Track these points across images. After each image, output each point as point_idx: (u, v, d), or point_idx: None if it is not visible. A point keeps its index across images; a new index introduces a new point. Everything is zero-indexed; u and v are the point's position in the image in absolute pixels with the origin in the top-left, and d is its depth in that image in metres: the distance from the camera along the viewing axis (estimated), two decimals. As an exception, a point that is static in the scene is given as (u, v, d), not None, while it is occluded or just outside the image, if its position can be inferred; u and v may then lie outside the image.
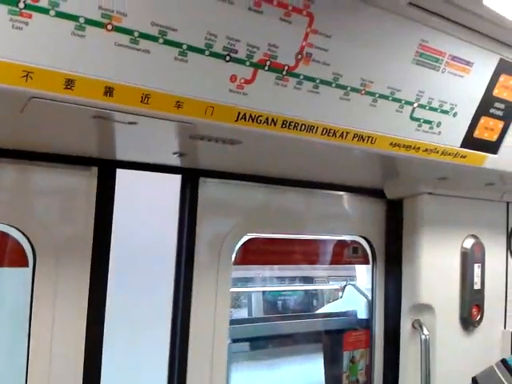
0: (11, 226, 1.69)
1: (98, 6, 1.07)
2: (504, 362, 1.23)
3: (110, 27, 1.09)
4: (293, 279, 7.52)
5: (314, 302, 7.64)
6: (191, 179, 1.92)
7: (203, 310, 1.92)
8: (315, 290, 7.59)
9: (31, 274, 1.69)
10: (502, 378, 1.20)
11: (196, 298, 1.90)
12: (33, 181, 1.73)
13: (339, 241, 2.60)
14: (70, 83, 1.08)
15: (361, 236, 2.46)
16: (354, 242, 2.53)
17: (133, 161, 1.84)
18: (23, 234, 1.69)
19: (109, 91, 1.13)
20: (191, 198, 1.91)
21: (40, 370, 1.69)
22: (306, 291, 7.66)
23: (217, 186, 2.00)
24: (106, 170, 1.80)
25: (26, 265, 1.72)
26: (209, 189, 1.97)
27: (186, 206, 1.91)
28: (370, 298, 2.50)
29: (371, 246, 2.43)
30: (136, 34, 1.12)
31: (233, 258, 2.07)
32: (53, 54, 1.06)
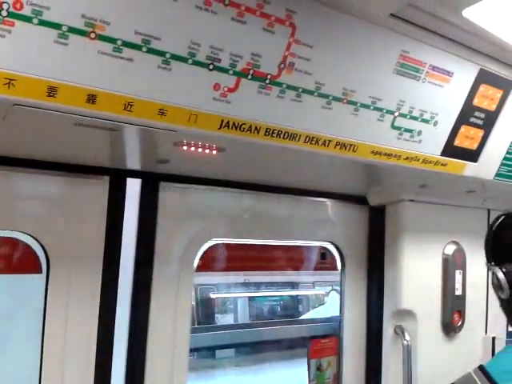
0: (27, 234, 1.70)
1: (81, 15, 1.07)
2: (481, 368, 1.24)
3: (93, 35, 1.10)
4: (279, 285, 7.55)
5: (300, 307, 7.67)
6: (151, 184, 1.88)
7: (162, 318, 1.89)
8: (301, 295, 7.61)
9: (45, 281, 1.71)
10: (478, 382, 1.21)
11: (155, 308, 1.86)
12: (46, 189, 1.74)
13: (312, 246, 2.60)
14: (52, 90, 1.09)
15: (330, 242, 2.46)
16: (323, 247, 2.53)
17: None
18: (38, 241, 1.71)
19: (91, 98, 1.14)
20: (151, 203, 1.88)
21: (53, 374, 1.71)
22: (291, 297, 7.68)
23: (180, 191, 1.96)
24: (117, 179, 1.82)
25: (40, 271, 1.74)
26: (170, 194, 1.93)
27: (146, 212, 1.88)
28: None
29: (340, 253, 2.44)
30: (119, 42, 1.13)
31: (195, 265, 2.03)
32: (35, 62, 1.07)
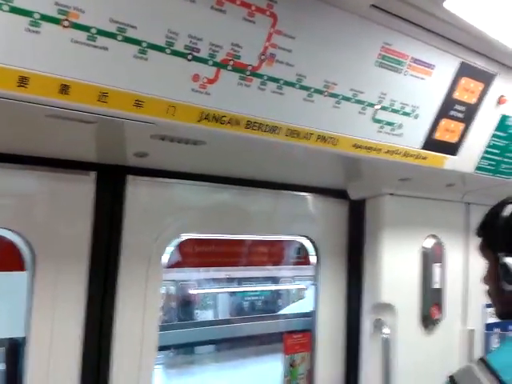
0: (12, 230, 1.65)
1: (54, 2, 1.03)
2: (483, 360, 1.22)
3: (66, 23, 1.06)
4: (261, 280, 7.53)
5: (280, 302, 7.67)
6: (118, 177, 1.81)
7: (129, 315, 1.83)
8: (282, 290, 7.61)
9: (30, 278, 1.67)
10: (480, 376, 1.19)
11: (121, 305, 1.80)
12: (33, 185, 1.69)
13: (293, 241, 2.57)
14: (23, 81, 1.04)
15: (305, 236, 2.43)
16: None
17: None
18: (23, 238, 1.66)
19: (64, 89, 1.10)
20: (119, 198, 1.81)
21: (38, 373, 1.66)
22: (272, 291, 7.67)
23: (150, 185, 1.90)
24: (104, 175, 1.76)
25: (23, 269, 1.70)
26: (140, 188, 1.86)
27: (114, 206, 1.81)
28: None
29: (315, 247, 2.41)
30: (94, 30, 1.09)
31: (165, 261, 1.98)
32: (6, 51, 1.02)
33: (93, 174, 1.73)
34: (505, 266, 1.28)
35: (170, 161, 1.83)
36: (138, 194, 1.84)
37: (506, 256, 1.28)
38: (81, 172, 1.72)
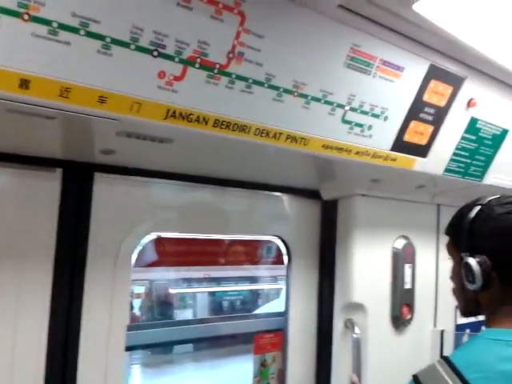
0: None
1: (13, -6, 1.01)
2: (446, 359, 1.23)
3: (26, 17, 1.04)
4: (239, 279, 7.52)
5: (259, 301, 7.67)
6: (85, 175, 1.79)
7: (96, 315, 1.81)
8: (261, 289, 7.61)
9: None
10: (444, 375, 1.20)
11: (88, 305, 1.78)
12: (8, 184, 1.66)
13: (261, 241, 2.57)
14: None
15: (277, 236, 2.43)
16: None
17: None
18: None
19: (24, 83, 1.08)
20: (85, 196, 1.78)
21: (2, 375, 1.63)
22: (251, 291, 7.67)
23: (118, 183, 1.87)
24: (71, 173, 1.73)
25: None
26: (107, 186, 1.84)
27: (81, 205, 1.78)
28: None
29: (286, 247, 2.41)
30: (55, 24, 1.07)
31: (133, 261, 1.95)
32: (-38, 43, 1.00)
33: (59, 171, 1.71)
34: (467, 265, 1.30)
35: (138, 159, 1.81)
36: (106, 191, 1.82)
37: (469, 256, 1.30)
38: (46, 169, 1.69)
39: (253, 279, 7.26)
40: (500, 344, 1.24)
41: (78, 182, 1.76)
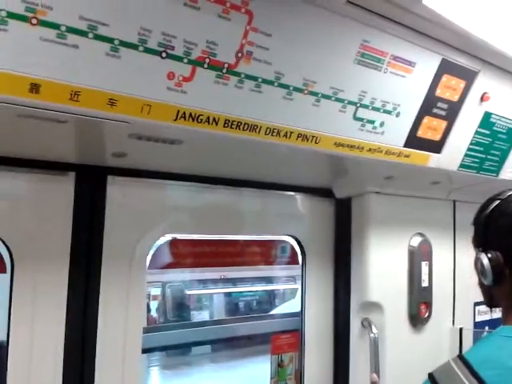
0: None
1: (21, -1, 1.01)
2: (460, 356, 1.22)
3: (34, 21, 1.04)
4: (256, 280, 7.51)
5: (276, 302, 7.66)
6: (98, 178, 1.79)
7: (112, 317, 1.81)
8: (277, 290, 7.59)
9: (9, 280, 1.64)
10: (459, 372, 1.19)
11: (104, 307, 1.79)
12: (10, 187, 1.66)
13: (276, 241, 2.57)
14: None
15: (291, 236, 2.42)
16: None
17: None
18: (1, 240, 1.64)
19: (34, 88, 1.08)
20: (99, 198, 1.79)
21: (19, 377, 1.64)
22: (267, 291, 7.65)
23: (131, 186, 1.88)
24: (84, 176, 1.74)
25: (4, 271, 1.70)
26: (121, 188, 1.84)
27: (95, 207, 1.79)
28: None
29: (301, 246, 2.40)
30: (63, 28, 1.08)
31: (147, 263, 1.96)
32: (-28, 49, 1.01)
33: (72, 175, 1.72)
34: (478, 260, 1.30)
35: (150, 161, 1.81)
36: (119, 194, 1.82)
37: (482, 252, 1.30)
38: (59, 173, 1.70)
39: (268, 279, 7.25)
40: None
41: (91, 185, 1.77)
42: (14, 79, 1.06)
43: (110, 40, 1.14)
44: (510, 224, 1.29)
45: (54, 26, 1.06)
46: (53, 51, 1.08)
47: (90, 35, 1.11)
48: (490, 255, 1.28)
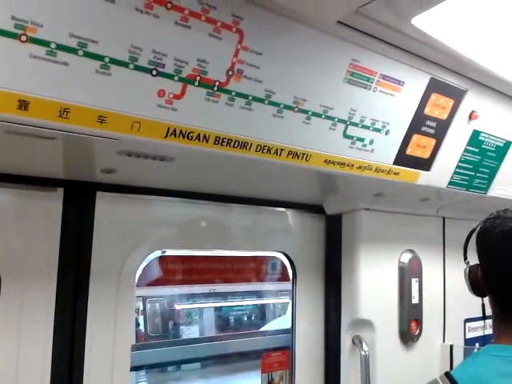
0: None
1: (10, 16, 1.01)
2: (448, 374, 1.23)
3: (24, 38, 1.04)
4: (245, 294, 7.47)
5: (266, 317, 7.61)
6: (87, 194, 1.79)
7: (100, 334, 1.79)
8: (267, 305, 7.55)
9: None
10: None
11: (92, 325, 1.77)
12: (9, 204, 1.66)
13: (266, 257, 2.57)
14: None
15: (281, 252, 2.42)
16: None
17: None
18: None
19: (23, 105, 1.08)
20: (87, 215, 1.78)
21: None
22: (257, 306, 7.61)
23: (120, 202, 1.87)
24: (73, 192, 1.73)
25: None
26: (109, 204, 1.83)
27: (82, 223, 1.78)
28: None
29: (291, 263, 2.40)
30: (53, 45, 1.08)
31: (136, 279, 1.94)
32: (-40, 66, 1.00)
33: (60, 191, 1.71)
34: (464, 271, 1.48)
35: (139, 177, 1.81)
36: (108, 210, 1.81)
37: (466, 264, 1.51)
38: (47, 189, 1.69)
39: (259, 294, 7.22)
40: (501, 360, 1.23)
41: (79, 201, 1.76)
42: (3, 96, 1.05)
43: (100, 57, 1.14)
44: (486, 243, 1.39)
45: (43, 43, 1.06)
46: (42, 68, 1.08)
47: (80, 52, 1.11)
48: (469, 268, 1.49)
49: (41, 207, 1.69)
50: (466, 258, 1.56)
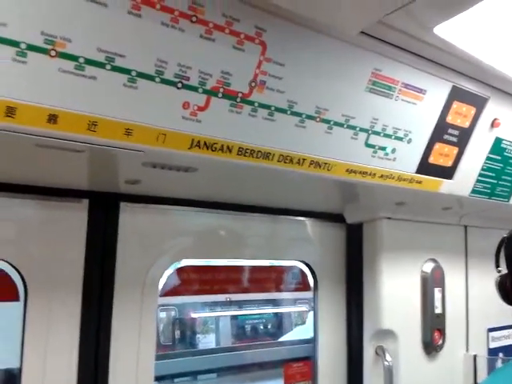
0: (3, 260, 1.64)
1: (40, 32, 1.04)
2: None
3: (53, 53, 1.06)
4: (261, 303, 7.41)
5: (283, 326, 7.55)
6: (111, 205, 1.81)
7: (125, 343, 1.80)
8: (283, 313, 7.49)
9: (23, 308, 1.65)
10: None
11: (116, 334, 1.78)
12: (24, 214, 1.68)
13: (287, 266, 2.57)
14: (10, 111, 1.04)
15: (302, 261, 2.41)
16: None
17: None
18: (14, 268, 1.64)
19: (52, 118, 1.10)
20: (111, 225, 1.80)
21: None
22: (274, 314, 7.56)
23: (143, 212, 1.89)
24: (97, 203, 1.76)
25: (17, 299, 1.70)
26: (133, 215, 1.86)
27: (106, 233, 1.80)
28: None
29: (313, 272, 2.39)
30: (81, 60, 1.09)
31: (159, 289, 1.95)
32: (-8, 81, 1.03)
33: (85, 202, 1.73)
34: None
35: (163, 187, 1.82)
36: (132, 220, 1.83)
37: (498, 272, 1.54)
38: (73, 200, 1.72)
39: (276, 303, 7.16)
40: None
41: (104, 211, 1.78)
42: (33, 110, 1.08)
43: (127, 71, 1.16)
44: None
45: (72, 57, 1.08)
46: (71, 82, 1.10)
47: (108, 67, 1.13)
48: (500, 278, 1.52)
49: (66, 218, 1.71)
50: (497, 267, 1.57)
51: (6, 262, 1.64)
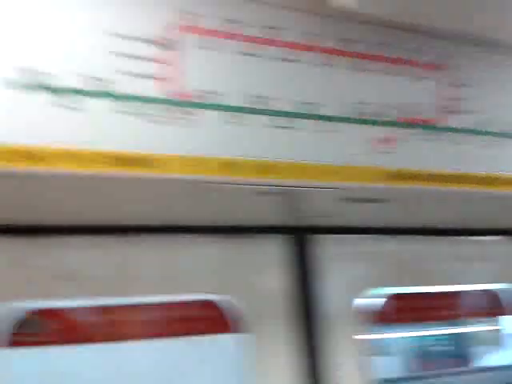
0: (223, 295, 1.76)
1: (250, 95, 1.19)
2: None
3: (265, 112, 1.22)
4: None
5: (472, 349, 6.93)
6: (305, 238, 1.86)
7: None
8: (467, 333, 6.86)
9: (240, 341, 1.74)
10: None
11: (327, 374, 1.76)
12: (234, 252, 1.81)
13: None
14: (225, 166, 1.21)
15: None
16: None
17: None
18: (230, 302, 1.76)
19: (264, 170, 1.24)
20: (309, 258, 1.85)
21: None
22: (456, 336, 6.97)
23: (337, 243, 1.92)
24: (292, 237, 1.86)
25: (229, 330, 1.78)
26: (328, 246, 1.89)
27: (303, 267, 1.84)
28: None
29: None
30: (291, 114, 1.25)
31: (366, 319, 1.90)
32: (213, 142, 1.21)
33: (281, 237, 1.84)
34: None
35: (354, 218, 1.87)
36: (327, 252, 1.90)
37: None
38: (272, 236, 1.84)
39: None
40: None
41: (300, 245, 1.87)
42: (246, 163, 1.23)
43: (326, 118, 1.26)
44: None
45: (279, 113, 1.22)
46: (281, 135, 1.25)
47: (305, 115, 1.26)
48: None
49: (268, 253, 1.84)
50: None
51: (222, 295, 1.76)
